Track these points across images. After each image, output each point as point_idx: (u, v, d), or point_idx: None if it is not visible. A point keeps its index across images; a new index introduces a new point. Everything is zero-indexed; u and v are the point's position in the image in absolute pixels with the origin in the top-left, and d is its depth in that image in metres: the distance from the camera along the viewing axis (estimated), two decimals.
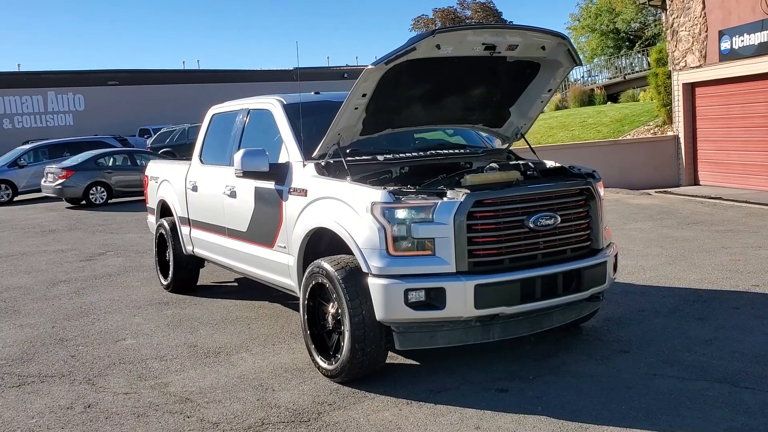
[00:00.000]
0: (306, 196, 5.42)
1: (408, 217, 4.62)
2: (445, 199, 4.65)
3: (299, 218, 5.47)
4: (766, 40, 14.58)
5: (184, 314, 7.36)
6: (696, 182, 17.37)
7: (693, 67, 16.93)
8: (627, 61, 38.08)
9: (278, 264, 5.90)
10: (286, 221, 5.69)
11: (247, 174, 5.77)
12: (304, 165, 5.59)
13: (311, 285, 5.17)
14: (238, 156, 5.75)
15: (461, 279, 4.56)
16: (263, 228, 6.11)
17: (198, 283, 8.60)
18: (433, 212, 4.59)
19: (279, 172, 5.75)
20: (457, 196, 4.63)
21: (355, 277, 4.79)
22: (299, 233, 5.46)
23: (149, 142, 33.27)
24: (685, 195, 15.66)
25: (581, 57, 5.70)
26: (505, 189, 4.83)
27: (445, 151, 5.96)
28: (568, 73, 5.71)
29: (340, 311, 4.86)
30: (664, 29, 19.92)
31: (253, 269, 6.48)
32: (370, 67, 4.83)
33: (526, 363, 5.25)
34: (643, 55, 36.35)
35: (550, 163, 5.94)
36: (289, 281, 5.79)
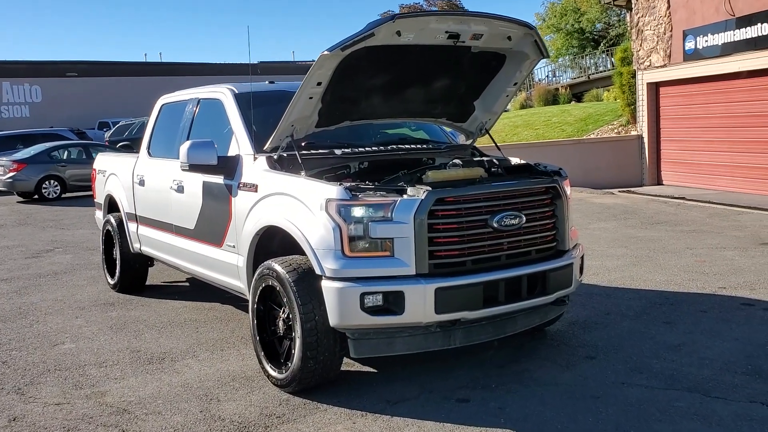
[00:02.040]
0: (256, 191, 5.07)
1: (365, 215, 4.30)
2: (405, 196, 4.34)
3: (249, 215, 5.12)
4: (729, 41, 14.58)
5: (129, 316, 6.94)
6: (659, 182, 17.38)
7: (657, 67, 16.91)
8: (591, 61, 38.26)
9: (227, 264, 5.54)
10: (236, 218, 5.33)
11: (193, 167, 5.39)
12: (255, 158, 5.24)
13: (261, 288, 4.83)
14: (184, 148, 5.37)
15: (421, 282, 4.26)
16: (211, 225, 5.74)
17: (147, 283, 8.18)
18: (392, 210, 4.28)
19: (228, 166, 5.39)
20: (417, 193, 4.33)
21: (307, 280, 4.46)
22: (249, 231, 5.10)
23: (107, 135, 32.41)
24: (648, 195, 15.63)
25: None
26: (469, 186, 4.54)
27: (406, 147, 5.66)
28: (534, 66, 5.45)
29: (291, 316, 4.53)
30: (629, 28, 19.94)
31: (201, 270, 6.10)
32: (325, 52, 4.49)
33: (489, 370, 4.98)
34: (607, 55, 36.56)
35: (515, 161, 5.68)
36: (239, 283, 5.43)
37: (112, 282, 8.11)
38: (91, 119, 40.80)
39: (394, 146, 5.58)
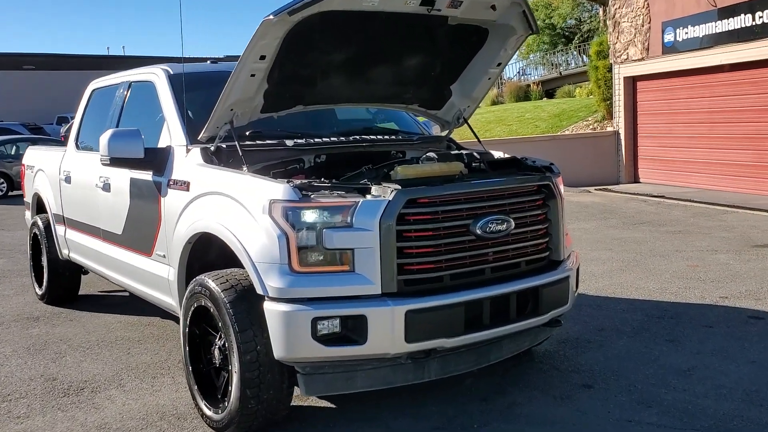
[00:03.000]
0: (188, 190, 4.18)
1: (319, 220, 3.45)
2: (368, 197, 3.51)
3: (180, 219, 4.23)
4: (710, 33, 13.98)
5: (53, 334, 5.99)
6: (636, 179, 16.77)
7: (635, 60, 16.28)
8: (563, 57, 37.78)
9: (156, 277, 4.64)
10: (165, 223, 4.43)
11: (116, 161, 4.48)
12: (188, 150, 4.35)
13: (193, 308, 3.95)
14: (104, 138, 4.46)
15: (388, 303, 3.42)
16: (140, 230, 4.83)
17: (82, 293, 7.23)
18: (352, 214, 3.44)
19: (157, 160, 4.49)
20: (384, 193, 3.49)
21: (247, 301, 3.60)
22: (180, 239, 4.21)
23: (63, 129, 31.07)
24: (626, 193, 14.99)
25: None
26: (446, 185, 3.71)
27: (372, 137, 4.80)
28: (521, 44, 4.63)
29: (227, 345, 3.66)
30: (602, 20, 19.31)
31: (130, 282, 5.19)
32: (269, 17, 3.62)
33: (469, 404, 4.16)
34: (578, 52, 36.10)
35: (498, 154, 4.87)
36: (170, 300, 4.54)
37: (39, 292, 7.14)
38: (50, 114, 39.31)
39: (357, 137, 4.72)
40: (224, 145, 4.24)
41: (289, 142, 4.39)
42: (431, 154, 4.40)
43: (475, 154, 4.60)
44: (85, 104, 6.41)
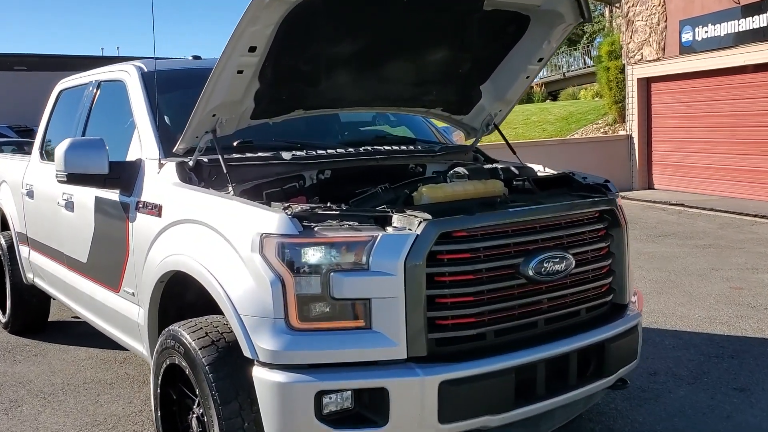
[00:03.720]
0: (160, 215, 3.36)
1: (325, 261, 2.63)
2: (389, 229, 2.68)
3: (151, 251, 3.40)
4: (733, 32, 13.18)
5: (12, 374, 5.15)
6: (650, 186, 15.97)
7: (650, 61, 15.48)
8: (564, 59, 37.00)
9: (125, 318, 3.81)
10: (134, 253, 3.60)
11: (74, 179, 3.65)
12: (162, 165, 3.52)
13: (165, 365, 3.12)
14: (60, 150, 3.64)
15: (416, 372, 2.59)
16: (105, 260, 4.01)
17: (53, 319, 6.40)
18: (368, 253, 2.62)
19: (125, 176, 3.67)
20: (410, 224, 2.67)
21: (232, 362, 2.78)
22: (150, 275, 3.38)
23: None
24: (642, 200, 14.17)
25: None
26: (488, 212, 2.88)
27: (386, 148, 3.96)
28: (568, 34, 3.80)
29: (206, 418, 2.83)
30: (607, 21, 18.53)
31: (96, 320, 4.36)
32: None
33: None
34: (582, 53, 35.35)
35: (537, 168, 4.05)
36: (140, 348, 3.71)
37: (3, 320, 6.30)
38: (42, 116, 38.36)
39: (368, 148, 3.88)
40: (205, 159, 3.41)
41: (286, 155, 3.56)
42: (460, 170, 3.57)
43: (512, 168, 3.77)
44: (51, 107, 5.59)
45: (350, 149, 3.78)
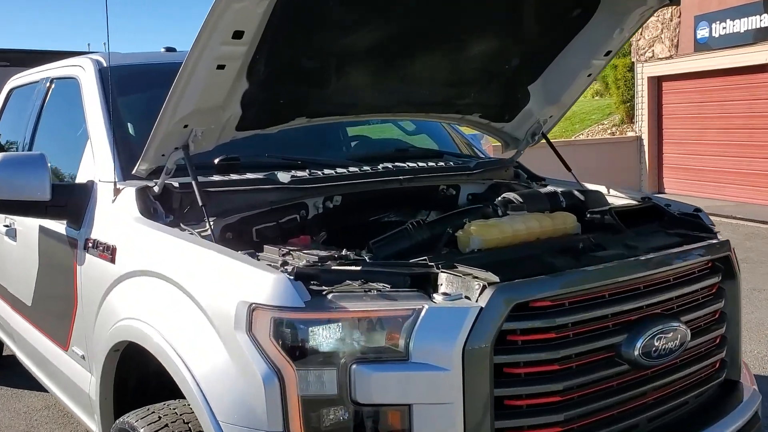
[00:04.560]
0: (113, 261, 2.48)
1: (344, 347, 1.80)
2: (437, 298, 1.83)
3: (103, 307, 2.53)
4: (753, 28, 12.40)
5: None
6: (660, 190, 15.17)
7: (662, 59, 14.67)
8: None
9: (74, 386, 2.95)
10: (83, 305, 2.74)
11: (6, 206, 2.77)
12: (118, 191, 2.64)
13: None
14: None
15: None
16: (51, 308, 3.16)
17: (7, 353, 5.49)
18: (408, 335, 1.77)
19: (72, 203, 2.79)
20: (466, 288, 1.83)
21: None
22: (103, 340, 2.51)
23: None
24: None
25: None
26: (577, 268, 2.02)
27: (409, 165, 3.08)
28: (646, 20, 2.95)
29: None
30: None
31: (44, 379, 3.48)
32: None
33: None
34: None
35: (599, 188, 3.21)
36: (93, 427, 2.83)
37: None
38: None
39: (388, 165, 3.00)
40: (175, 184, 2.54)
41: (284, 176, 2.69)
42: (512, 196, 2.71)
43: (576, 193, 2.92)
44: (0, 109, 4.69)
45: (365, 167, 2.91)
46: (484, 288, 1.81)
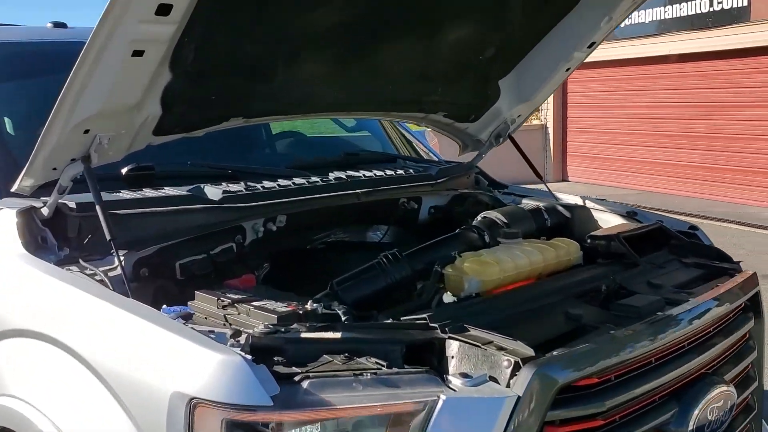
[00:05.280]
0: None
1: None
2: (453, 383, 1.33)
3: None
4: (657, 19, 12.56)
5: None
6: (564, 178, 15.31)
7: None
8: None
9: None
10: None
11: None
12: None
13: None
14: None
15: None
16: None
17: None
18: None
19: None
20: (490, 366, 1.34)
21: None
22: None
23: None
24: (561, 194, 13.41)
25: None
26: (623, 329, 1.56)
27: (365, 174, 2.54)
28: (638, 6, 2.54)
29: None
30: None
31: None
32: None
33: None
34: None
35: (572, 200, 2.82)
36: None
37: None
38: None
39: (342, 175, 2.46)
40: (72, 204, 1.91)
41: (213, 191, 2.11)
42: (495, 216, 2.25)
43: (560, 209, 2.49)
44: None
45: (313, 178, 2.36)
46: (516, 366, 1.33)
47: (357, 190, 2.36)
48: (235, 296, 1.68)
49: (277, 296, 1.69)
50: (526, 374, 1.31)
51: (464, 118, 2.80)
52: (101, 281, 1.71)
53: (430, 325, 1.49)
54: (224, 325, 1.63)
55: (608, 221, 2.66)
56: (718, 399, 1.63)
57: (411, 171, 2.69)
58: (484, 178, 3.08)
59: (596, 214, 2.64)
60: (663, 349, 1.57)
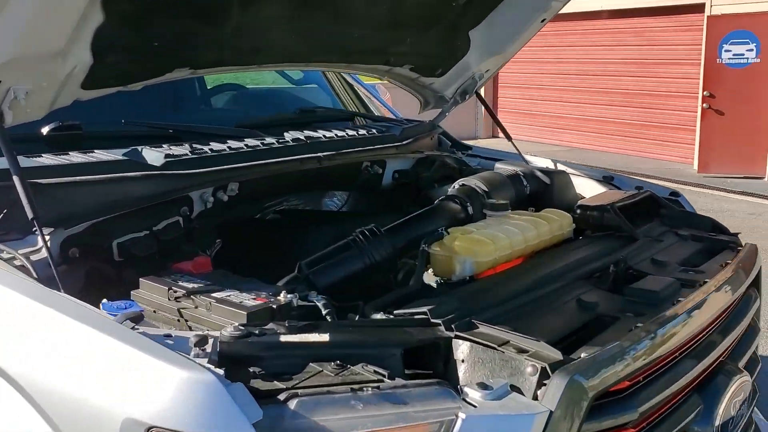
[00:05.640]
0: None
1: None
2: (471, 397, 1.10)
3: None
4: None
5: None
6: (495, 134, 15.27)
7: None
8: None
9: None
10: None
11: None
12: None
13: None
14: None
15: None
16: None
17: None
18: None
19: None
20: (511, 372, 1.12)
21: None
22: None
23: None
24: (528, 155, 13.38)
25: None
26: (651, 321, 1.36)
27: (322, 136, 2.24)
28: None
29: None
30: None
31: None
32: None
33: None
34: None
35: (542, 163, 2.64)
36: None
37: None
38: None
39: (299, 136, 2.16)
40: None
41: (153, 155, 1.79)
42: (475, 183, 2.03)
43: (539, 174, 2.29)
44: None
45: (268, 139, 2.06)
46: (543, 373, 1.12)
47: (319, 154, 2.08)
48: (190, 285, 1.41)
49: (238, 284, 1.43)
50: (557, 384, 1.10)
51: (431, 71, 2.54)
52: (21, 267, 1.40)
53: (432, 321, 1.26)
54: (178, 321, 1.35)
55: (585, 187, 2.48)
56: (739, 391, 1.48)
57: (374, 131, 2.42)
58: (447, 139, 2.84)
59: (573, 180, 2.45)
60: (689, 339, 1.39)
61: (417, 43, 2.32)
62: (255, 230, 1.97)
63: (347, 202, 2.39)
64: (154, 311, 1.39)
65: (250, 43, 1.84)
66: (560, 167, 2.64)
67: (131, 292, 1.44)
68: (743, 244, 1.87)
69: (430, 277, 1.61)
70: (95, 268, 1.59)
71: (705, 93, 10.50)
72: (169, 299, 1.37)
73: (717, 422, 1.40)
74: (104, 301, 1.31)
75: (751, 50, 10.24)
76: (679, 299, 1.44)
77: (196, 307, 1.34)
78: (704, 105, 10.52)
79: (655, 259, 1.72)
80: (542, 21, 2.48)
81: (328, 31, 1.98)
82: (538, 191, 2.22)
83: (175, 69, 1.76)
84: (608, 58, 12.64)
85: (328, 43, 2.07)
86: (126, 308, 1.27)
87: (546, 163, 2.66)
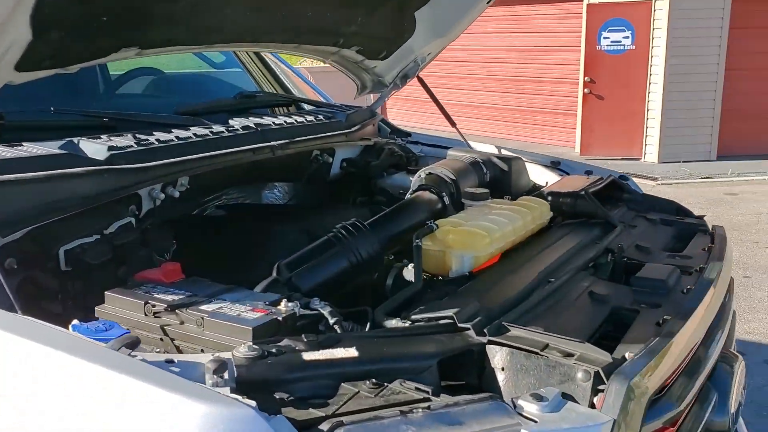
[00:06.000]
0: None
1: None
2: (527, 410, 0.99)
3: None
4: None
5: None
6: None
7: None
8: None
9: None
10: None
11: None
12: None
13: None
14: None
15: None
16: None
17: None
18: None
19: None
20: (561, 379, 1.03)
21: None
22: None
23: None
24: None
25: None
26: (677, 309, 1.31)
27: (272, 123, 2.06)
28: None
29: None
30: None
31: None
32: None
33: None
34: None
35: (488, 149, 2.58)
36: None
37: None
38: None
39: (249, 124, 1.97)
40: None
41: (93, 147, 1.56)
42: (441, 171, 1.93)
43: (496, 161, 2.21)
44: None
45: (216, 127, 1.86)
46: (597, 378, 1.03)
47: (272, 142, 1.90)
48: (169, 297, 1.22)
49: (222, 293, 1.25)
50: (617, 389, 1.01)
51: (376, 54, 2.41)
52: None
53: (459, 325, 1.14)
54: (161, 341, 1.17)
55: (534, 173, 2.44)
56: (741, 375, 1.46)
57: (321, 117, 2.26)
58: (386, 126, 2.72)
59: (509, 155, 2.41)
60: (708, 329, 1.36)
61: (366, 24, 2.18)
62: (210, 228, 1.77)
63: (291, 193, 2.23)
64: (129, 330, 1.19)
65: (202, 20, 1.64)
66: (506, 153, 2.59)
67: (95, 308, 1.24)
68: (711, 228, 1.88)
69: (408, 273, 1.49)
70: (36, 281, 1.36)
71: (586, 78, 10.93)
72: (146, 315, 1.18)
73: (732, 409, 1.37)
74: (75, 322, 1.10)
75: (627, 37, 10.75)
76: (688, 287, 1.40)
77: (182, 323, 1.16)
78: (585, 90, 10.95)
79: (640, 246, 1.68)
80: (488, 2, 2.41)
81: (282, 9, 1.81)
82: (496, 178, 2.15)
83: (121, 49, 1.53)
84: (495, 45, 12.87)
85: (282, 23, 1.89)
86: (106, 330, 1.07)
87: (489, 149, 2.60)
